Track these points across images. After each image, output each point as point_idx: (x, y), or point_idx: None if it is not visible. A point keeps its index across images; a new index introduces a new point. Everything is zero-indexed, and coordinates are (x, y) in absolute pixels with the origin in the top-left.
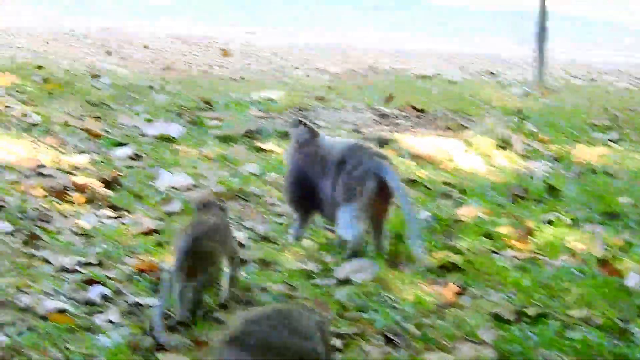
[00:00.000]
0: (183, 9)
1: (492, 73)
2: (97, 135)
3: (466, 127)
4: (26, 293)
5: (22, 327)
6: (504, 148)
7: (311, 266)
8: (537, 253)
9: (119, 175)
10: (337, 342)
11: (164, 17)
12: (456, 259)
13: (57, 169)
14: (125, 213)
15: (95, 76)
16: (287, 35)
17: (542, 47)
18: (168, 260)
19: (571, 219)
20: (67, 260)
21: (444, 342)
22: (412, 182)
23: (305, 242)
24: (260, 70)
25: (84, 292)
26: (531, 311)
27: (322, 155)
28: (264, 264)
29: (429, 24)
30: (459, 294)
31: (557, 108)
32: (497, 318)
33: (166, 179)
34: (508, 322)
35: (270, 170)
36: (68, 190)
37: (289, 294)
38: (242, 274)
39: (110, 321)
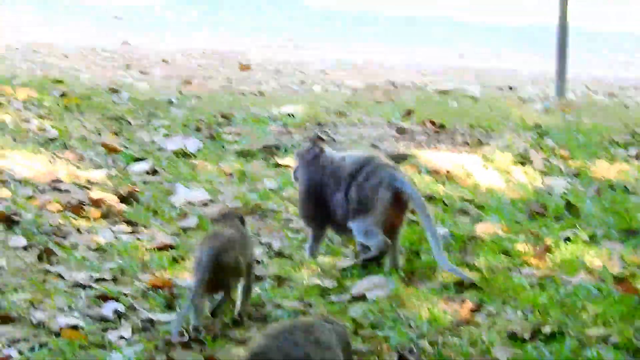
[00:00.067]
0: (203, 23)
1: (512, 88)
2: (114, 150)
3: (485, 143)
4: (40, 309)
5: (35, 343)
6: (523, 164)
7: (326, 282)
8: (555, 270)
9: (136, 190)
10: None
11: (184, 31)
12: (472, 276)
13: (74, 183)
14: (141, 228)
15: (114, 91)
16: (306, 49)
17: (563, 62)
18: (182, 276)
19: (589, 236)
20: (81, 276)
21: None
22: (430, 198)
23: (321, 259)
24: (279, 85)
25: (97, 308)
26: (547, 329)
27: (332, 169)
28: (279, 280)
29: (450, 39)
30: (474, 311)
31: (577, 124)
32: (513, 336)
33: (183, 194)
34: (523, 340)
35: (288, 185)
36: (84, 205)
37: (304, 310)
38: (257, 290)
39: (123, 337)
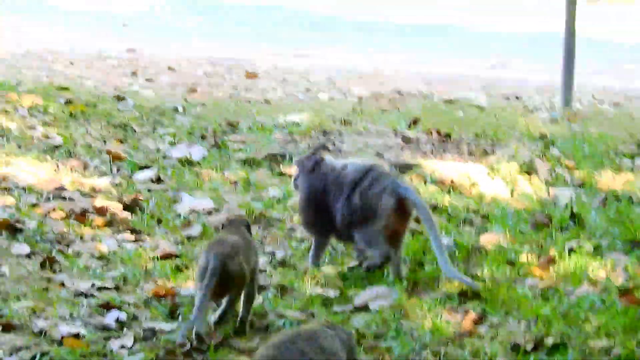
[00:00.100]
0: (209, 31)
1: (519, 98)
2: (119, 158)
3: (491, 152)
4: (42, 317)
5: (36, 352)
6: (528, 174)
7: (329, 292)
8: (558, 281)
9: (140, 198)
10: None
11: (189, 39)
12: (476, 287)
13: (78, 191)
14: (145, 236)
15: (119, 98)
16: (313, 57)
17: (570, 72)
18: (185, 285)
19: (593, 247)
20: (84, 284)
21: None
22: (435, 208)
23: (325, 268)
24: (285, 93)
25: (99, 317)
26: (550, 341)
27: (334, 177)
28: (282, 289)
29: (458, 47)
30: (477, 322)
31: (583, 134)
32: (515, 347)
33: (187, 203)
34: (526, 351)
35: (293, 194)
36: (88, 213)
37: (306, 320)
38: (260, 299)
39: (125, 346)
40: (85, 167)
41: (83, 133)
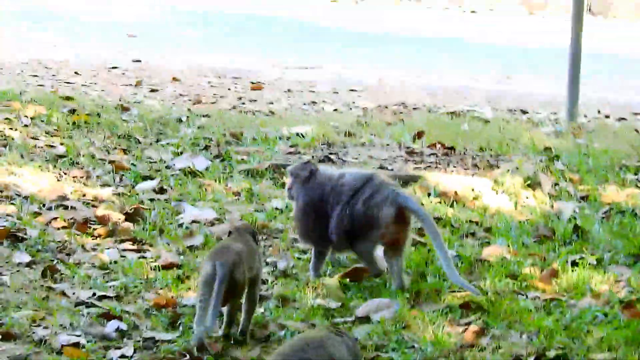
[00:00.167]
0: (215, 42)
1: (524, 111)
2: (122, 168)
3: (495, 166)
4: (42, 326)
5: None
6: (532, 187)
7: (331, 303)
8: (561, 294)
9: (143, 208)
10: None
11: (195, 49)
12: (478, 298)
13: (80, 201)
14: (147, 246)
15: (124, 108)
16: (318, 69)
17: (575, 86)
18: (187, 295)
19: (596, 260)
20: (85, 294)
21: None
22: (438, 220)
23: (326, 279)
24: (290, 105)
25: (100, 326)
26: (552, 353)
27: (331, 186)
28: (284, 300)
29: (464, 60)
30: (479, 334)
31: (588, 148)
32: None
33: (190, 213)
34: None
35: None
36: (90, 223)
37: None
38: (261, 309)
39: (125, 356)
40: (88, 176)
41: (86, 143)
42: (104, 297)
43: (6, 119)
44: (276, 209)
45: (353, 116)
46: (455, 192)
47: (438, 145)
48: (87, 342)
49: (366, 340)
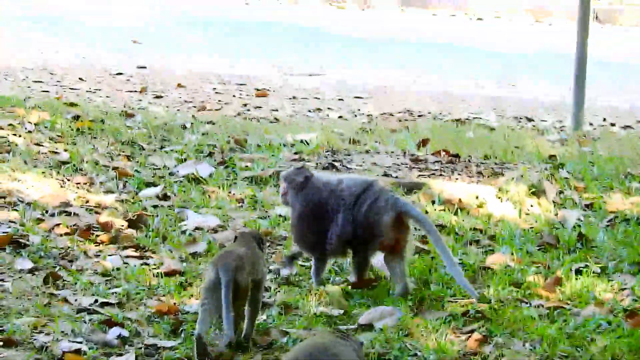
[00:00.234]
0: (220, 48)
1: (529, 119)
2: (126, 175)
3: (500, 173)
4: (43, 333)
5: None
6: (537, 195)
7: (333, 311)
8: (564, 302)
9: (146, 215)
10: None
11: (200, 56)
12: (482, 306)
13: (83, 207)
14: (150, 253)
15: (128, 115)
16: (323, 75)
17: (581, 93)
18: (189, 302)
19: (600, 268)
20: (87, 300)
21: None
22: (442, 228)
23: (329, 287)
24: (294, 111)
25: (101, 333)
26: None
27: (329, 192)
28: (286, 307)
29: (469, 67)
30: (482, 342)
31: (593, 155)
32: None
33: (193, 220)
34: None
35: None
36: (93, 229)
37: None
38: (263, 317)
39: None
40: (92, 183)
41: (90, 149)
42: (106, 303)
43: (10, 125)
44: (280, 216)
45: (358, 123)
46: (460, 200)
47: (443, 153)
48: (89, 349)
49: (369, 348)
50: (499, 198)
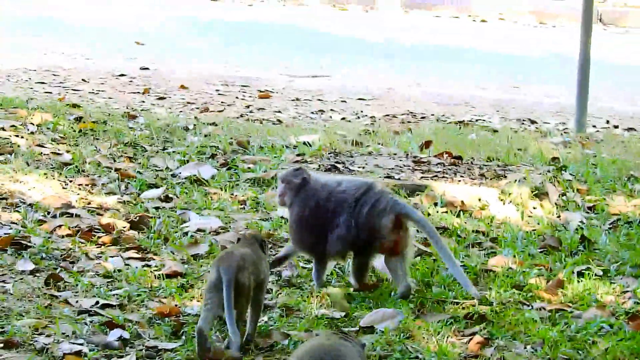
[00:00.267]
0: (224, 50)
1: (532, 121)
2: (128, 176)
3: (502, 176)
4: (44, 334)
5: None
6: (539, 198)
7: (335, 313)
8: (566, 305)
9: (148, 216)
10: None
11: (202, 57)
12: (483, 309)
13: (85, 209)
14: (151, 255)
15: (130, 116)
16: (326, 78)
17: (584, 96)
18: (190, 304)
19: (603, 271)
20: (88, 302)
21: None
22: (444, 230)
23: (331, 289)
24: (297, 113)
25: (102, 335)
26: None
27: (328, 193)
28: (288, 309)
29: (472, 69)
30: (483, 345)
31: (596, 158)
32: None
33: (195, 222)
34: None
35: None
36: (94, 231)
37: None
38: (265, 319)
39: None
40: (94, 184)
41: (92, 151)
42: (107, 305)
43: (12, 126)
44: (282, 218)
45: (361, 125)
46: (462, 202)
47: (445, 155)
48: (90, 350)
49: (370, 350)
50: (502, 200)
